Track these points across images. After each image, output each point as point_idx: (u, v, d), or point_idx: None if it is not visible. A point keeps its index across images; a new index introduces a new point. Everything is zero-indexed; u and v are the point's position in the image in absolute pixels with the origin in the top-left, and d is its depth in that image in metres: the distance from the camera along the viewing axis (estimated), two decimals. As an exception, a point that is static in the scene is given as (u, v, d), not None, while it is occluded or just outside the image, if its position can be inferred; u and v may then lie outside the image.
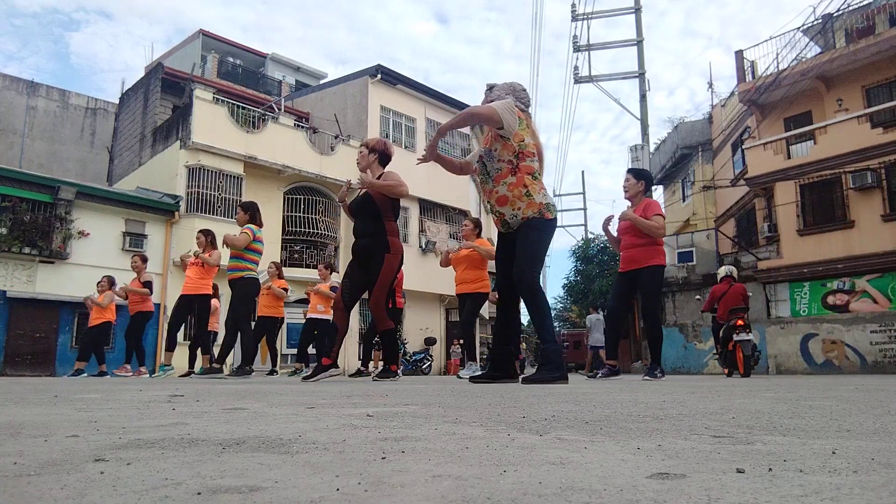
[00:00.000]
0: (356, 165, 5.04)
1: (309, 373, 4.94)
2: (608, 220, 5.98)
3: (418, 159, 4.28)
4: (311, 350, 9.45)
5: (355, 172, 5.24)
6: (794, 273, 15.91)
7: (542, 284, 4.08)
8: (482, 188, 4.18)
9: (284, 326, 17.16)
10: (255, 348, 6.96)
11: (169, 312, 14.86)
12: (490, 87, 4.23)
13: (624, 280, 5.64)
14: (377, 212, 4.70)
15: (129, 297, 8.65)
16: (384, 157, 4.96)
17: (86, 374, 8.68)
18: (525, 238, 3.95)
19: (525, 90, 4.23)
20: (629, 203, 5.76)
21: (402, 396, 2.42)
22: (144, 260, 8.92)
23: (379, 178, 4.80)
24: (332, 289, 9.28)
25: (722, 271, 9.06)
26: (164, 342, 8.02)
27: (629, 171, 5.85)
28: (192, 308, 7.55)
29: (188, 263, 7.65)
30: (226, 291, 6.96)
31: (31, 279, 13.93)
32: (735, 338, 7.70)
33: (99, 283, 9.33)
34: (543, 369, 3.87)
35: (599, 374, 5.89)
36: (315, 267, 13.28)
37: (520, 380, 4.08)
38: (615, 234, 5.88)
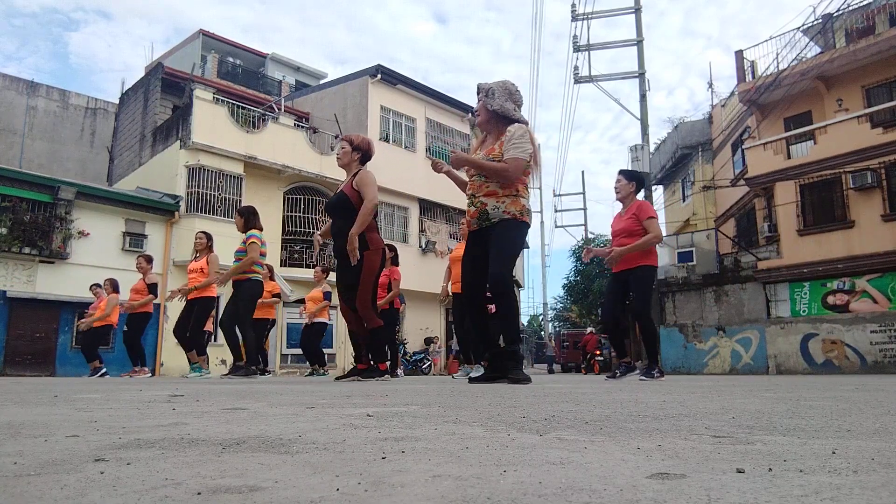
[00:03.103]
0: (336, 161, 5.03)
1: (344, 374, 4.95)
2: (587, 254, 6.03)
3: (436, 163, 4.35)
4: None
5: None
6: (794, 273, 15.90)
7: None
8: (471, 183, 4.18)
9: (285, 327, 17.32)
10: (255, 348, 6.98)
11: (169, 313, 14.93)
12: (486, 92, 4.12)
13: (617, 281, 5.62)
14: (354, 210, 4.63)
15: (130, 298, 8.61)
16: (366, 157, 4.96)
17: (104, 371, 8.64)
18: (504, 236, 3.96)
19: (518, 90, 4.21)
20: (621, 204, 5.73)
21: (402, 396, 2.42)
22: (149, 261, 8.80)
23: (355, 175, 4.76)
24: (326, 294, 9.24)
25: (588, 330, 19.64)
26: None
27: (621, 172, 5.77)
28: (203, 309, 7.49)
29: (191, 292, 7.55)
30: (227, 290, 6.96)
31: (31, 279, 13.93)
32: (595, 359, 17.68)
33: (102, 285, 9.28)
34: (515, 371, 3.85)
35: (618, 374, 5.88)
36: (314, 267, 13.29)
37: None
38: (603, 248, 5.95)
